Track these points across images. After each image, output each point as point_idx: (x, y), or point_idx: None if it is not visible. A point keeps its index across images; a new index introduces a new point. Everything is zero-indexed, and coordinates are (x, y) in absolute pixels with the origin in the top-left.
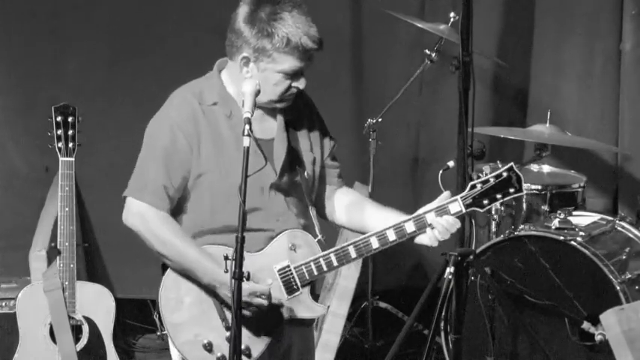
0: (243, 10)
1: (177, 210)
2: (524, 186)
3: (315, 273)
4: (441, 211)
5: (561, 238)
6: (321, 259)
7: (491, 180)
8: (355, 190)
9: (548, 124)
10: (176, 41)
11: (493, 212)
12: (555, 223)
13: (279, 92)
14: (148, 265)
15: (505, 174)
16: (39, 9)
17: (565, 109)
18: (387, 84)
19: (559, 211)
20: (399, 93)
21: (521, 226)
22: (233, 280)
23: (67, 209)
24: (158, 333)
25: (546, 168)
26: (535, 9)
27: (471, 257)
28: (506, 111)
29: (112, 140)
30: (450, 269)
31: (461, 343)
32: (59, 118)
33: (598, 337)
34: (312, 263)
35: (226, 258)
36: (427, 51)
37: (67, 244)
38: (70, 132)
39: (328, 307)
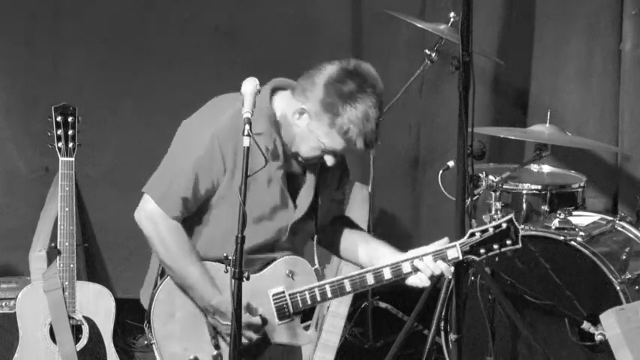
0: (331, 71)
1: (194, 219)
2: (520, 235)
3: (309, 302)
4: (439, 255)
5: (561, 238)
6: (315, 289)
7: (490, 230)
8: (355, 190)
9: (548, 124)
10: (177, 41)
11: (493, 212)
12: (555, 223)
13: (309, 155)
14: (147, 265)
15: (504, 225)
16: (39, 9)
17: (565, 109)
18: (387, 84)
19: (559, 211)
20: (399, 93)
21: (522, 226)
22: (233, 280)
23: (67, 209)
24: (146, 342)
25: (546, 168)
26: (535, 9)
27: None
28: (506, 111)
29: (112, 140)
30: (450, 269)
31: (461, 343)
32: (59, 118)
33: (598, 337)
34: (306, 292)
35: (226, 258)
36: (427, 51)
37: (67, 244)
38: (70, 132)
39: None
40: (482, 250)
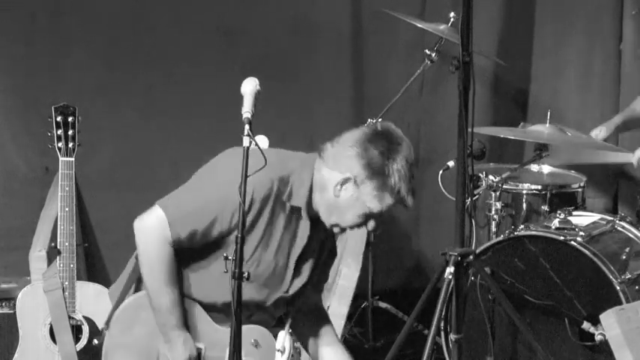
0: (361, 135)
1: (193, 256)
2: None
3: None
4: None
5: (561, 238)
6: None
7: None
8: None
9: (548, 124)
10: (177, 41)
11: (493, 212)
12: (555, 223)
13: (352, 223)
14: None
15: None
16: (39, 9)
17: (565, 109)
18: (387, 84)
19: (559, 211)
20: (399, 93)
21: (521, 226)
22: (233, 280)
23: (67, 209)
24: (95, 341)
25: (546, 168)
26: (535, 9)
27: (471, 257)
28: (506, 111)
29: (112, 140)
30: (450, 269)
31: (461, 343)
32: (59, 118)
33: (598, 337)
34: None
35: (226, 258)
36: (427, 51)
37: (67, 244)
38: (70, 132)
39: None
40: None
